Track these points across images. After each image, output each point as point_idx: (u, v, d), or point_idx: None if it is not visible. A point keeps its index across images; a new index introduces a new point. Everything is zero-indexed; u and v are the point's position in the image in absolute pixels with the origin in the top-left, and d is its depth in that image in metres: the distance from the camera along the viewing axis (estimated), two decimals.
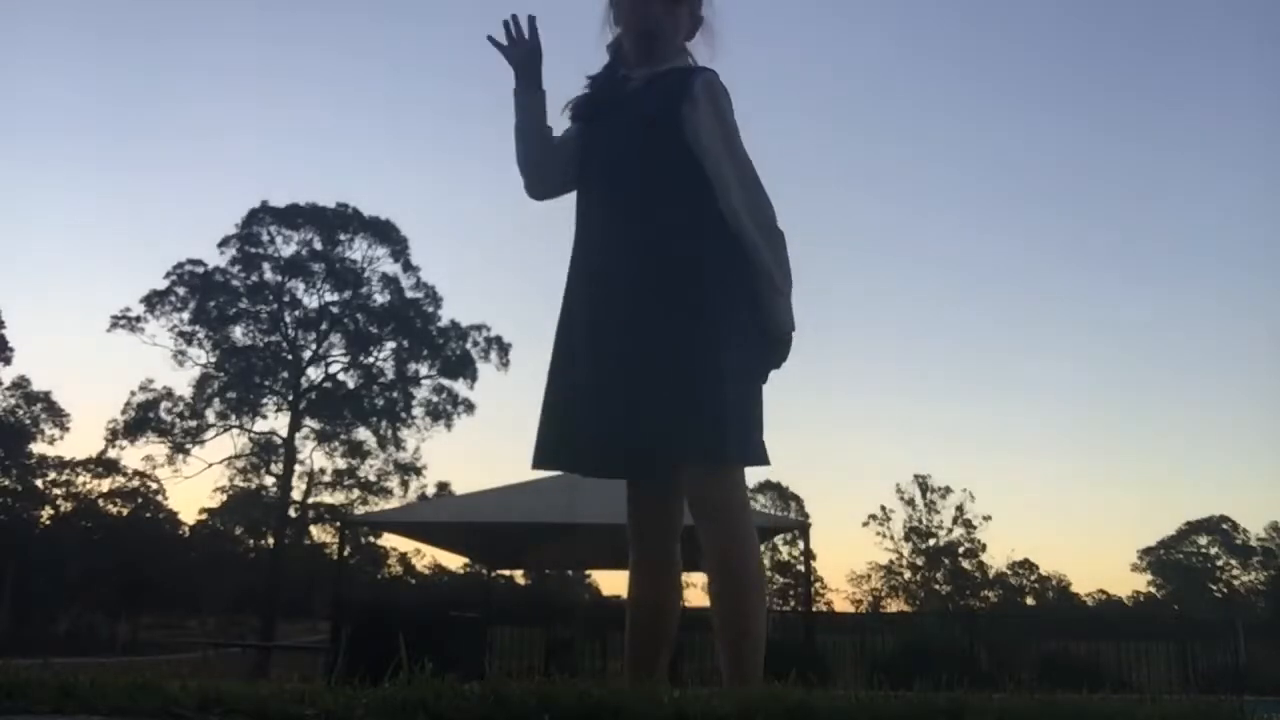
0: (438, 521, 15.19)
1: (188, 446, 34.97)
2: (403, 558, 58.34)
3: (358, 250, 36.07)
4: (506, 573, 46.89)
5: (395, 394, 36.32)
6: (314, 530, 39.75)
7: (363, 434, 36.53)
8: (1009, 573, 60.29)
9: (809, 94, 77.58)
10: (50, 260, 67.84)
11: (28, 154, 63.51)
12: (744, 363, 2.05)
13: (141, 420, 34.77)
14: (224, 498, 40.20)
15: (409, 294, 36.18)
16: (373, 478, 36.93)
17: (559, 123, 2.38)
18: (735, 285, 2.08)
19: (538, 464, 2.19)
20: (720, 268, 2.07)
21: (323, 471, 37.05)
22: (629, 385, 2.03)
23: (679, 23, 2.27)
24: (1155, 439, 76.17)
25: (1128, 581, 78.68)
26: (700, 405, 1.97)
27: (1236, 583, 61.00)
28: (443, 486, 37.99)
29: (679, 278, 2.06)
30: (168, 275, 34.70)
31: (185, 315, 34.55)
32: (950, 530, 57.21)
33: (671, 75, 2.24)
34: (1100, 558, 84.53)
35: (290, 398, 35.38)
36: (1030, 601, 59.94)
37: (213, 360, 35.00)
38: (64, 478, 46.87)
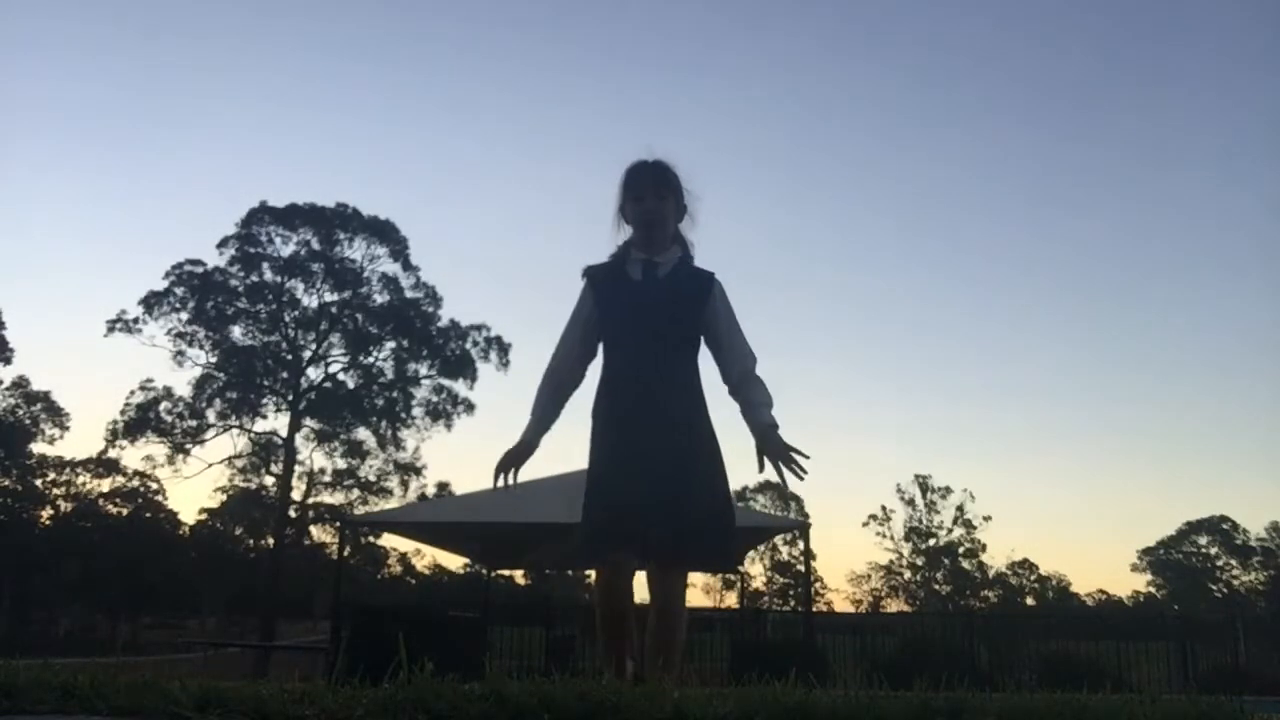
0: (438, 521, 15.15)
1: (188, 446, 34.96)
2: (403, 558, 58.27)
3: (357, 250, 36.09)
4: (506, 573, 46.95)
5: (395, 394, 36.28)
6: (314, 530, 39.70)
7: (363, 434, 36.54)
8: (1009, 573, 60.29)
9: (806, 94, 77.67)
10: (50, 260, 67.92)
11: (28, 154, 63.59)
12: (727, 481, 2.98)
13: (141, 420, 34.73)
14: (224, 498, 40.16)
15: (409, 294, 36.12)
16: (373, 478, 36.92)
17: (574, 281, 3.16)
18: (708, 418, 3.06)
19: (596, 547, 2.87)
20: (705, 406, 3.04)
21: (322, 471, 37.07)
22: (672, 489, 2.83)
23: (668, 214, 3.11)
24: (1155, 439, 76.31)
25: (1128, 581, 78.84)
26: (718, 531, 2.89)
27: (1236, 583, 60.98)
28: (443, 486, 37.90)
29: (697, 411, 3.00)
30: (167, 275, 34.76)
31: (184, 315, 34.59)
32: (950, 530, 57.26)
33: (689, 272, 3.13)
34: (1100, 558, 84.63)
35: (290, 398, 35.36)
36: (1030, 601, 59.91)
37: (212, 360, 35.01)
38: (64, 478, 46.91)
